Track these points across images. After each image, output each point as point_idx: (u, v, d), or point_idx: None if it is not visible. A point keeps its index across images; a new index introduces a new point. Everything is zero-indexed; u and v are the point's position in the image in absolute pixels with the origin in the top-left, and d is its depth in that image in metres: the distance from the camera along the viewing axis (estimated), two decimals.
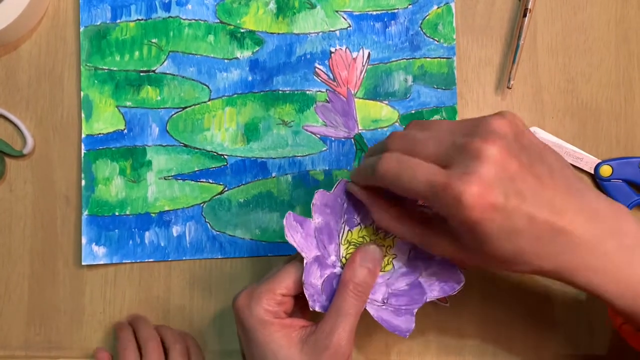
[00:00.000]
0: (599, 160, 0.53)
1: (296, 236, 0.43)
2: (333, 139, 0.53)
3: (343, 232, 0.44)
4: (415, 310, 0.43)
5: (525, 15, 0.53)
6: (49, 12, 0.54)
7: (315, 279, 0.42)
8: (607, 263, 0.35)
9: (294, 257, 0.44)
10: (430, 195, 0.34)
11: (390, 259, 0.45)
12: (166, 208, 0.53)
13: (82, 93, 0.53)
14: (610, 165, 0.53)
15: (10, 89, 0.54)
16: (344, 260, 0.44)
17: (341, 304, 0.40)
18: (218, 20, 0.54)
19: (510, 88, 0.53)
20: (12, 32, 0.52)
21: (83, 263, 0.52)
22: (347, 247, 0.44)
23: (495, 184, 0.33)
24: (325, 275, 0.43)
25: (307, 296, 0.42)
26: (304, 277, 0.42)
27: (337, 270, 0.44)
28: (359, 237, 0.44)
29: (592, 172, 0.53)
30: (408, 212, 0.40)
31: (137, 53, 0.53)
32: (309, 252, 0.43)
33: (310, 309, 0.42)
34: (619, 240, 0.35)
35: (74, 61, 0.54)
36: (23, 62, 0.54)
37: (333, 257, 0.44)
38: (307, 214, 0.53)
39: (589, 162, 0.53)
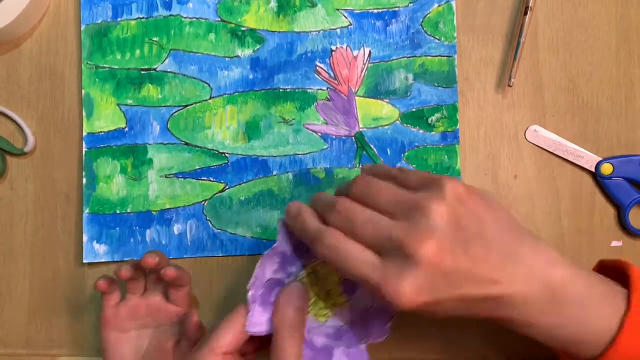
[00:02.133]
0: (600, 159, 0.54)
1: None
2: (334, 137, 0.54)
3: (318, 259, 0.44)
4: None
5: (526, 13, 0.53)
6: (50, 10, 0.55)
7: (269, 270, 0.43)
8: (539, 316, 0.37)
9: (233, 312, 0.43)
10: (366, 286, 0.36)
11: (330, 314, 0.44)
12: (167, 206, 0.53)
13: (83, 91, 0.54)
14: (611, 164, 0.53)
15: (12, 87, 0.54)
16: (299, 277, 0.44)
17: (280, 350, 0.40)
18: (219, 19, 0.54)
19: (511, 86, 0.53)
20: (13, 30, 0.53)
21: (84, 261, 0.53)
22: (309, 274, 0.44)
23: (427, 284, 0.35)
24: (277, 277, 0.43)
25: (253, 275, 0.42)
26: (265, 254, 0.42)
27: (287, 281, 0.44)
28: (325, 272, 0.44)
29: (593, 170, 0.54)
30: None
31: (138, 51, 0.54)
32: (284, 243, 0.43)
33: (248, 287, 0.42)
34: (550, 294, 0.37)
35: (75, 59, 0.54)
36: (24, 60, 0.55)
37: (294, 269, 0.44)
38: None
39: (589, 160, 0.54)
